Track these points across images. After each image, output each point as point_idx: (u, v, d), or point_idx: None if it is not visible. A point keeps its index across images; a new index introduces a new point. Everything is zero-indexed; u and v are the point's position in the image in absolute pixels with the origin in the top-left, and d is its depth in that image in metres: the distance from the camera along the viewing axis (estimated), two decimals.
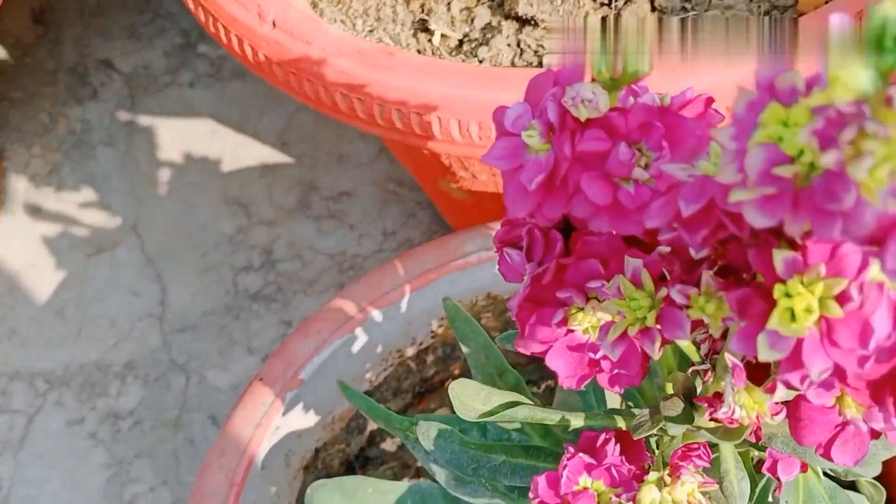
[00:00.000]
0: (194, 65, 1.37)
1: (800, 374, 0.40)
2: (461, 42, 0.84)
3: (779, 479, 0.60)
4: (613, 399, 0.68)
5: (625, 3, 0.83)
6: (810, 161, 0.33)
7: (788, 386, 0.40)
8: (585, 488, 0.54)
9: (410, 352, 0.89)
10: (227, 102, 1.34)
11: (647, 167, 0.44)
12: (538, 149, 0.46)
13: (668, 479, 0.54)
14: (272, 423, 0.82)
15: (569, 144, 0.44)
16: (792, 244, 0.39)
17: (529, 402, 0.59)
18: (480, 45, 0.82)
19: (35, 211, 1.29)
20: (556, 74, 0.46)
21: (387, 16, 0.86)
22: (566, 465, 0.54)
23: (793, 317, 0.39)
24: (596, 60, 0.43)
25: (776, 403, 0.46)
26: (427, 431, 0.62)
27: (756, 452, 0.61)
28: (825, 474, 0.64)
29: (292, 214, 1.26)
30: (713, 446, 0.57)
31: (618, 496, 0.54)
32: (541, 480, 0.55)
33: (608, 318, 0.49)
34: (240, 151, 1.31)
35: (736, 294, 0.40)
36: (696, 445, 0.54)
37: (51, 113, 1.36)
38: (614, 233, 0.46)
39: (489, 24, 0.84)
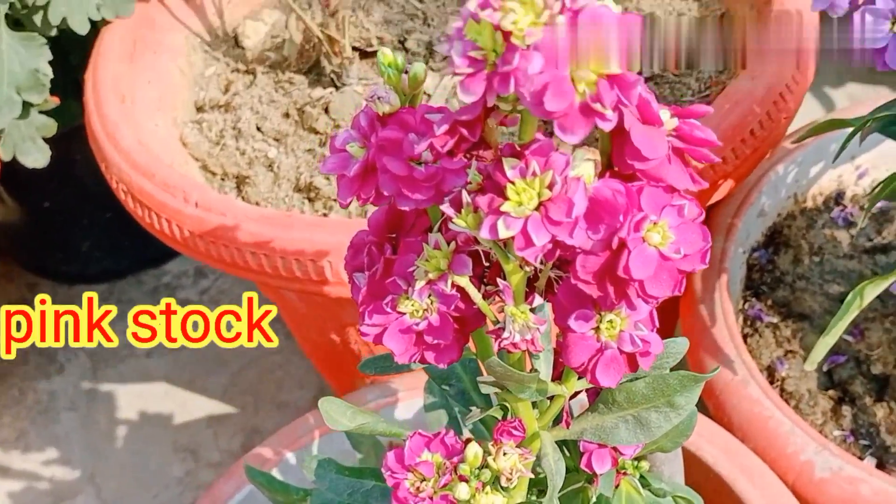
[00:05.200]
0: None
1: (533, 250, 0.55)
2: None
3: (595, 474, 0.73)
4: None
5: None
6: (493, 49, 0.50)
7: (525, 262, 0.56)
8: (426, 459, 0.67)
9: None
10: (179, 367, 1.50)
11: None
12: (358, 154, 0.63)
13: (492, 450, 0.67)
14: None
15: (375, 136, 0.61)
16: (518, 156, 0.55)
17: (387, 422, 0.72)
18: None
19: (2, 471, 1.42)
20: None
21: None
22: (407, 441, 0.67)
23: (520, 204, 0.55)
24: (387, 76, 0.62)
25: (538, 318, 0.60)
26: (310, 464, 0.75)
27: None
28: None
29: (237, 456, 1.39)
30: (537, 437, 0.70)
31: (452, 462, 0.66)
32: (390, 455, 0.67)
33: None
34: (189, 406, 1.45)
35: (483, 198, 0.56)
36: (511, 420, 0.67)
37: (21, 388, 1.51)
38: (413, 201, 0.61)
39: None
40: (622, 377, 0.62)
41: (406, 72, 0.62)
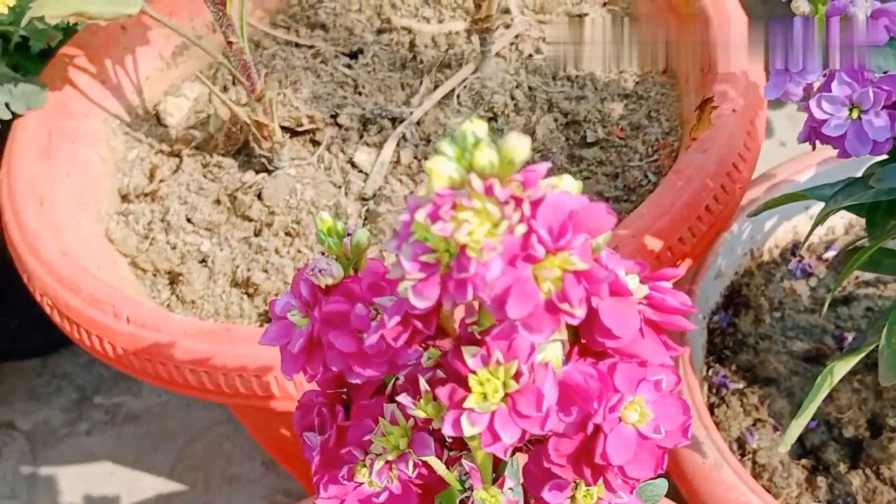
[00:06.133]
0: (90, 415, 1.48)
1: (500, 445, 0.50)
2: None
3: None
4: None
5: None
6: (446, 249, 0.45)
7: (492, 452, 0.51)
8: None
9: None
10: (123, 444, 1.44)
11: None
12: (301, 323, 0.58)
13: None
14: None
15: (318, 310, 0.56)
16: (478, 343, 0.51)
17: None
18: None
19: None
20: (304, 266, 0.58)
21: (234, 313, 0.99)
22: None
23: (485, 397, 0.50)
24: (328, 245, 0.57)
25: (511, 499, 0.56)
26: None
27: None
28: None
29: None
30: None
31: None
32: None
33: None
34: (136, 486, 1.40)
35: (443, 390, 0.51)
36: None
37: None
38: (365, 377, 0.56)
39: None
40: None
41: (349, 234, 0.57)
